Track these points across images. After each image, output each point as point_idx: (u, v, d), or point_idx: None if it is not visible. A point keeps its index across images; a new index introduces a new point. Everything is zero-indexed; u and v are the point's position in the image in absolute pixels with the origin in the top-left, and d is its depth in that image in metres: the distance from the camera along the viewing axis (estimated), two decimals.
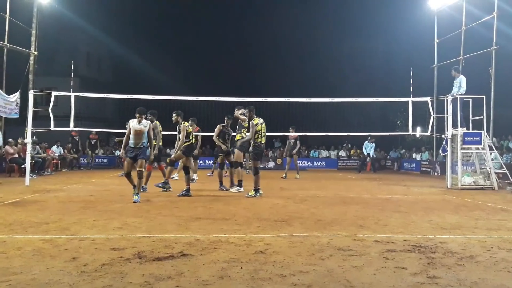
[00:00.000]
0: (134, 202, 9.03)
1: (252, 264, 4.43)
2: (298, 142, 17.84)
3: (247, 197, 10.25)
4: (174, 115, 10.85)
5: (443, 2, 20.79)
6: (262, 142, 10.54)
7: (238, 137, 11.67)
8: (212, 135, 13.01)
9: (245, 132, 11.37)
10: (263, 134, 10.52)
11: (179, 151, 10.68)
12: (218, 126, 12.18)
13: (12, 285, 3.75)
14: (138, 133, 9.34)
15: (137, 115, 9.37)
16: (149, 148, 9.72)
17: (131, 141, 9.36)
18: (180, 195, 10.33)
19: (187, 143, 10.69)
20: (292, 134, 17.52)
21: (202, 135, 15.25)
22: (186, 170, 10.77)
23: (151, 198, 9.83)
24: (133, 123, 9.40)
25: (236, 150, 11.55)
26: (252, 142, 10.55)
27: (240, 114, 11.46)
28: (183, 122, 10.74)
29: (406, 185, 14.70)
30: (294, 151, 17.87)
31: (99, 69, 38.24)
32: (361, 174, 21.60)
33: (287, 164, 18.25)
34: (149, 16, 39.66)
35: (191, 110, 15.52)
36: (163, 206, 8.69)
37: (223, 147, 12.03)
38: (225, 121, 12.22)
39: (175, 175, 14.23)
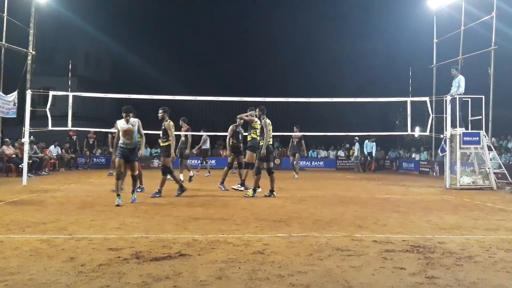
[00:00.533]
0: (131, 202, 8.98)
1: (250, 264, 4.41)
2: (303, 142, 18.06)
3: (245, 196, 10.23)
4: (160, 111, 10.41)
5: (442, 2, 20.77)
6: (270, 143, 10.52)
7: (249, 137, 11.56)
8: (210, 134, 12.98)
9: (254, 132, 11.16)
10: (270, 134, 10.52)
11: (173, 152, 10.38)
12: (231, 127, 11.96)
13: (9, 285, 3.72)
14: (128, 133, 9.00)
15: (123, 114, 9.00)
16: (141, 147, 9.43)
17: (121, 141, 9.06)
18: (177, 195, 10.26)
19: (166, 144, 10.27)
20: (297, 133, 17.64)
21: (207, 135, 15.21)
22: (169, 170, 10.43)
23: (148, 198, 9.80)
24: (120, 124, 9.06)
25: (248, 152, 11.33)
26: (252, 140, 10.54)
27: (245, 115, 11.25)
28: (169, 121, 10.36)
29: (405, 185, 14.70)
30: (304, 153, 18.19)
31: (97, 69, 38.18)
32: (365, 174, 21.47)
33: (291, 164, 18.59)
34: (148, 15, 39.63)
35: (189, 110, 15.52)
36: (161, 206, 8.66)
37: (228, 152, 11.94)
38: (237, 121, 12.04)
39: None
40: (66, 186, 12.79)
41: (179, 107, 15.24)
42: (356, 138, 24.35)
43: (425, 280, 3.97)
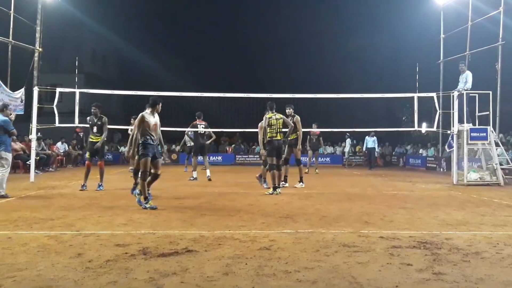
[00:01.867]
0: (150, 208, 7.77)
1: (257, 260, 4.42)
2: (321, 139, 18.56)
3: (266, 194, 10.04)
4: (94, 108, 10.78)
5: None
6: (276, 138, 10.25)
7: (293, 136, 11.51)
8: (211, 131, 12.84)
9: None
10: (277, 129, 10.28)
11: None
12: (260, 124, 11.05)
13: (17, 281, 3.75)
14: (156, 127, 8.12)
15: (153, 106, 8.14)
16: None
17: (148, 137, 7.94)
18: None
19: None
20: (315, 130, 17.78)
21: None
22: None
23: (155, 195, 9.80)
24: (147, 117, 7.99)
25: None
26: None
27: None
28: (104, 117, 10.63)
29: (411, 181, 14.64)
30: (322, 150, 18.54)
31: (104, 66, 38.31)
32: (372, 171, 21.35)
33: (309, 159, 18.81)
34: (154, 12, 39.71)
35: (196, 106, 15.54)
36: (168, 202, 8.68)
37: (262, 150, 11.33)
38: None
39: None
40: (73, 183, 12.86)
41: (184, 104, 15.29)
42: (348, 134, 24.38)
43: (432, 276, 3.96)
